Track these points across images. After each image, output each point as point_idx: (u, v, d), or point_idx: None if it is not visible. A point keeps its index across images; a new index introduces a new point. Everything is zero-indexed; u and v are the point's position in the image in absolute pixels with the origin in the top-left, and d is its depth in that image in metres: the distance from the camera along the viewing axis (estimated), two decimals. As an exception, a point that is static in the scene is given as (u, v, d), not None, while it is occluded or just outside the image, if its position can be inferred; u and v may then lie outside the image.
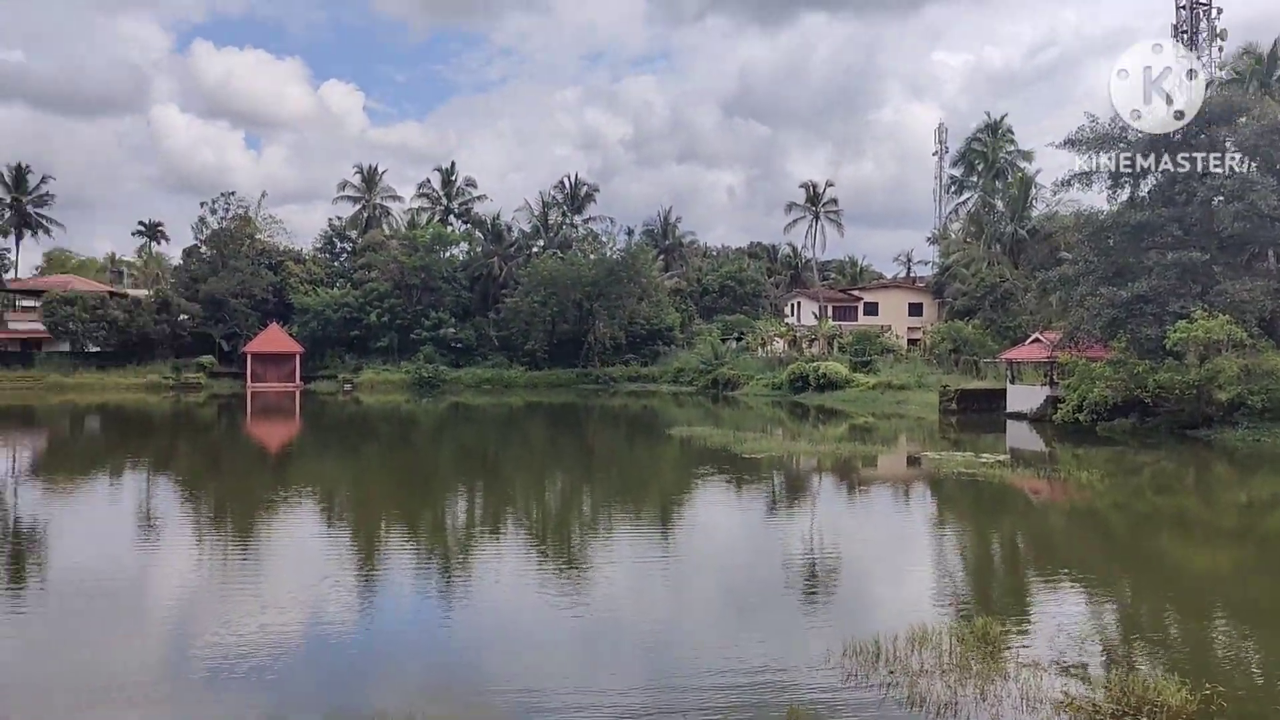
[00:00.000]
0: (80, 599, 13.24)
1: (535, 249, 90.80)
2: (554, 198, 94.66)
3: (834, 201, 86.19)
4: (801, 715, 8.71)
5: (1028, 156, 77.00)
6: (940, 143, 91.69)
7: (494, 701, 9.02)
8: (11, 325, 79.94)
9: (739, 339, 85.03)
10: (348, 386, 76.72)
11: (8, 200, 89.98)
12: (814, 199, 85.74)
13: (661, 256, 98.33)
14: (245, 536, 18.28)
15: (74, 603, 13.06)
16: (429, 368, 79.57)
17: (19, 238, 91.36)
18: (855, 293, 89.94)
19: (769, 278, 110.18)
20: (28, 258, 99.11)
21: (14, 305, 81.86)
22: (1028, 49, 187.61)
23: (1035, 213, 66.81)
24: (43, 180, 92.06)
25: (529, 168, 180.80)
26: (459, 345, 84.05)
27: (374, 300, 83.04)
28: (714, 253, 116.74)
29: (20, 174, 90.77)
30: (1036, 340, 47.05)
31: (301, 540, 17.86)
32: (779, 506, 22.35)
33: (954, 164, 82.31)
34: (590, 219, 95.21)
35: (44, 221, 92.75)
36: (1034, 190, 68.07)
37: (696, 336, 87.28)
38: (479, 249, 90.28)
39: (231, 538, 18.23)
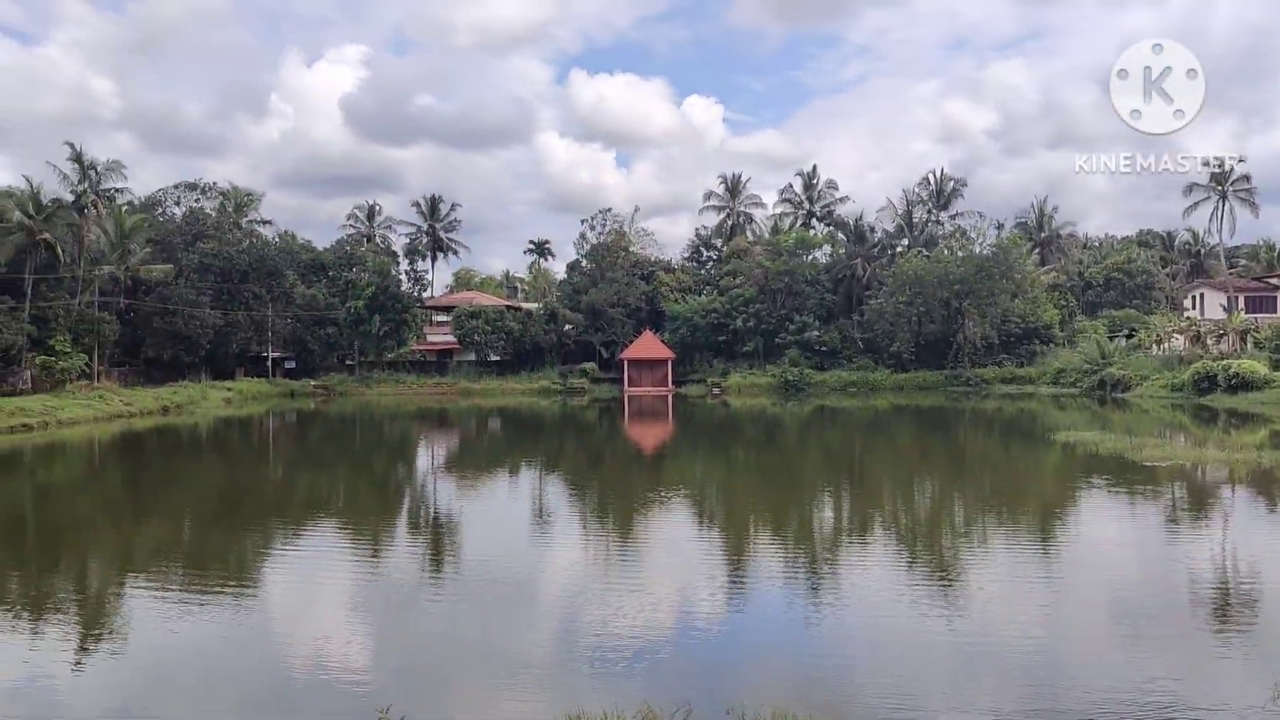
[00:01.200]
0: (486, 586, 14.73)
1: (899, 248, 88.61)
2: (918, 195, 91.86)
3: (1245, 179, 76.15)
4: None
5: None
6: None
7: (860, 706, 8.86)
8: (430, 338, 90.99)
9: (1129, 336, 77.48)
10: (716, 390, 79.29)
11: (425, 227, 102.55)
12: (1220, 177, 76.25)
13: (1037, 250, 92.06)
14: (625, 532, 19.43)
15: (481, 590, 14.55)
16: (794, 371, 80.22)
17: (434, 260, 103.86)
18: (1274, 280, 78.79)
19: (1163, 268, 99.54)
20: (440, 277, 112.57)
21: (430, 320, 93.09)
22: None
23: None
24: (451, 208, 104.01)
25: (886, 166, 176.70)
26: (823, 348, 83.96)
27: (739, 306, 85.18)
28: (1096, 243, 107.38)
29: (434, 204, 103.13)
30: None
31: (677, 538, 18.67)
32: (1184, 522, 20.03)
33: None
34: (957, 214, 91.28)
35: (453, 245, 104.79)
36: None
37: (1079, 334, 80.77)
38: (842, 251, 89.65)
39: (614, 533, 19.45)
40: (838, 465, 33.04)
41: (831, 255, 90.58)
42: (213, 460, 36.23)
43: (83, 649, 11.45)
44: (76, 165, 66.74)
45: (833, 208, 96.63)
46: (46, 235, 58.65)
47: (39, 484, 29.04)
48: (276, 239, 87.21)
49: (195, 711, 9.56)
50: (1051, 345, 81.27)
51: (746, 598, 13.91)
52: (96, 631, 12.31)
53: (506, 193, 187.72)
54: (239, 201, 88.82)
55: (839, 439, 43.33)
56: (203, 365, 74.82)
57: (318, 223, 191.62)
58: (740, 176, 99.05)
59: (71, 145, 68.11)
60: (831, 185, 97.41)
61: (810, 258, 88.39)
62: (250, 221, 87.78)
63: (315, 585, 14.89)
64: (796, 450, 38.48)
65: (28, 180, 62.86)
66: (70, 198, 64.78)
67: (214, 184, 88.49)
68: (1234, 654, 11.04)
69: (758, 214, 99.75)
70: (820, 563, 15.94)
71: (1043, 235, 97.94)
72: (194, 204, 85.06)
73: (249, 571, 16.01)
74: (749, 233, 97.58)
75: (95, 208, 66.33)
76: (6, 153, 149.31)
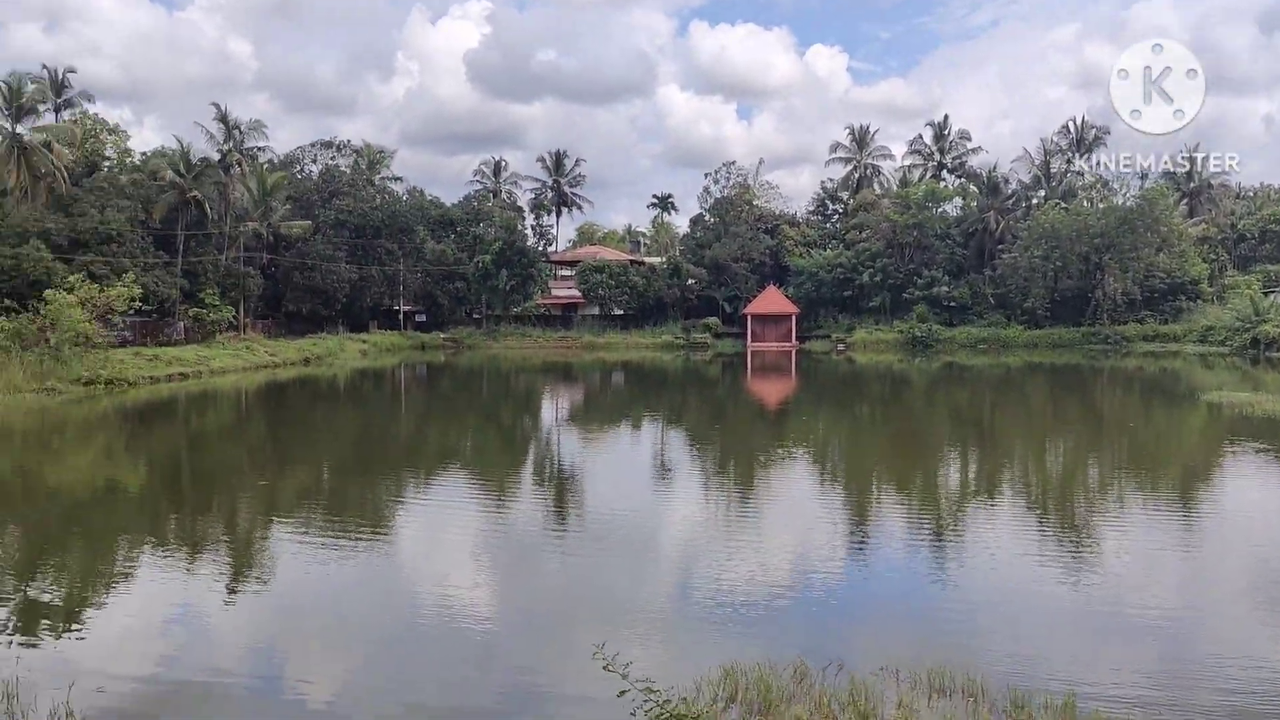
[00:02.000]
0: (605, 536, 14.99)
1: (1035, 200, 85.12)
2: (1056, 144, 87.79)
3: None
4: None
5: None
6: None
7: (978, 666, 8.69)
8: (555, 293, 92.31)
9: (1287, 291, 72.85)
10: (840, 346, 78.16)
11: (549, 182, 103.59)
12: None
13: (1185, 201, 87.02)
14: (746, 486, 19.46)
15: (600, 539, 14.83)
16: (921, 327, 78.32)
17: (558, 215, 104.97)
18: None
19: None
20: (564, 232, 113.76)
21: (555, 274, 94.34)
22: None
23: None
24: (576, 163, 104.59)
25: (1018, 115, 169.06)
26: (952, 304, 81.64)
27: (866, 260, 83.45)
28: (1251, 193, 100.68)
29: (559, 159, 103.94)
30: None
31: (801, 494, 18.60)
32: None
33: None
34: (1099, 163, 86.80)
35: (577, 200, 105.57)
36: None
37: (1229, 290, 76.31)
38: (973, 204, 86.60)
39: (734, 486, 19.50)
40: (967, 424, 32.23)
41: (963, 208, 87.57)
42: (350, 410, 37.77)
43: (231, 587, 12.17)
44: (222, 125, 69.80)
45: (964, 159, 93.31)
46: (196, 193, 61.70)
47: (194, 430, 30.82)
48: (407, 195, 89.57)
49: (329, 649, 10.08)
50: (1199, 301, 77.06)
51: (869, 557, 13.78)
52: (244, 570, 13.06)
53: (628, 147, 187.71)
54: (371, 159, 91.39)
55: (968, 397, 42.20)
56: (339, 318, 77.81)
57: (444, 179, 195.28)
58: (868, 128, 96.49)
59: (217, 106, 71.39)
60: (964, 136, 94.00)
61: (940, 211, 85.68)
62: (382, 179, 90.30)
63: (444, 533, 15.43)
64: (924, 408, 37.68)
65: (178, 140, 66.22)
66: (216, 157, 67.83)
67: (348, 142, 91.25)
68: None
69: (885, 166, 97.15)
70: (948, 524, 15.63)
71: (1192, 185, 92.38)
72: (329, 162, 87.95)
73: (382, 518, 16.69)
74: (876, 185, 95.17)
75: (239, 166, 69.32)
76: (155, 114, 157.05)
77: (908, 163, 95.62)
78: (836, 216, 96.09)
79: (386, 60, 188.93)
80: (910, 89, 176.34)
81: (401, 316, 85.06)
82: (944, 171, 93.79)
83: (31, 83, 57.86)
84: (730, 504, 17.64)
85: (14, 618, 10.77)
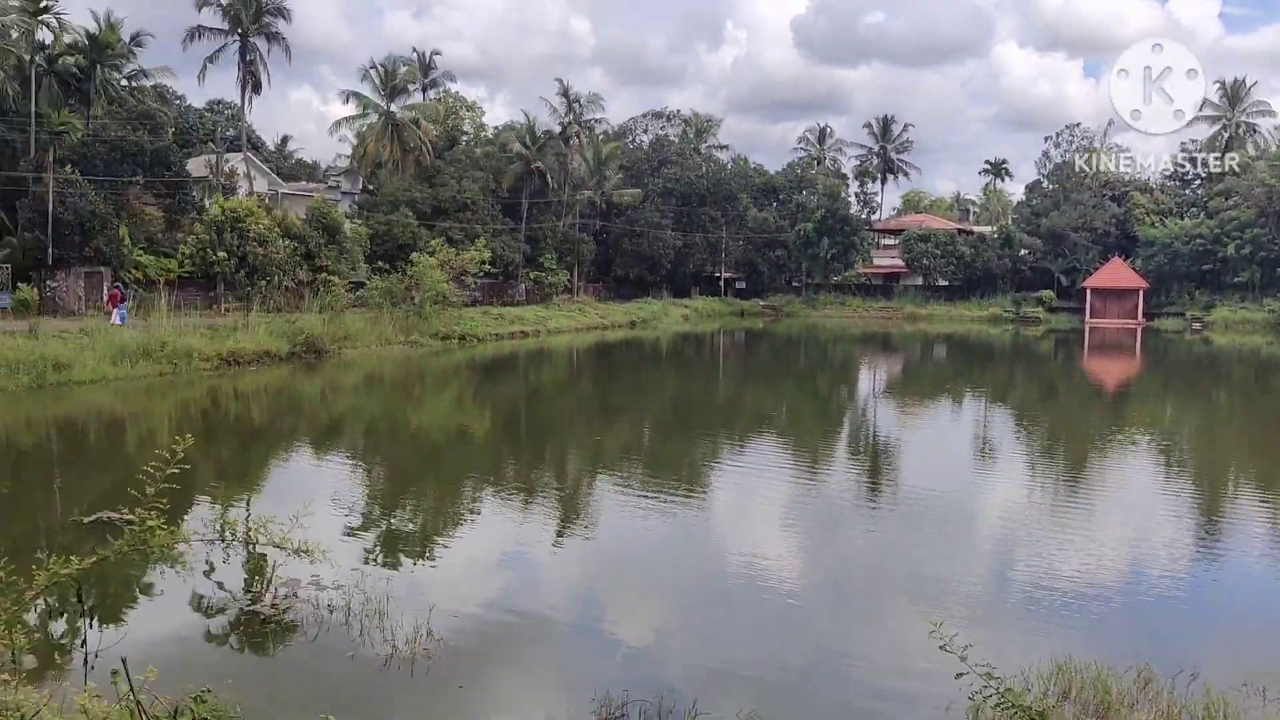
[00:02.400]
0: (920, 512, 14.62)
1: None
2: None
3: None
4: None
5: None
6: None
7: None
8: (876, 261, 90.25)
9: None
10: (1196, 325, 70.51)
11: (875, 149, 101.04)
12: None
13: None
14: (1075, 472, 18.22)
15: (915, 514, 14.49)
16: (1299, 306, 68.90)
17: (883, 182, 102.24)
18: None
19: None
20: (888, 199, 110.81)
21: (878, 244, 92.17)
22: None
23: None
24: (904, 129, 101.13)
25: None
26: (1341, 281, 71.11)
27: (1232, 230, 74.36)
28: None
29: (886, 124, 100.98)
30: None
31: (1138, 484, 17.16)
32: None
33: None
34: None
35: (904, 166, 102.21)
36: None
37: None
38: (1377, 164, 74.61)
39: (1062, 471, 18.33)
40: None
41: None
42: (672, 372, 39.28)
43: (560, 531, 13.17)
44: (563, 99, 74.21)
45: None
46: (539, 164, 66.27)
47: (532, 384, 33.43)
48: (731, 164, 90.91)
49: (645, 602, 10.66)
50: None
51: (1217, 556, 12.47)
52: (571, 518, 14.07)
53: (958, 111, 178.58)
54: (699, 128, 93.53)
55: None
56: (664, 284, 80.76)
57: (767, 146, 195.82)
58: (1243, 81, 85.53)
59: (560, 81, 76.01)
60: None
61: (1333, 173, 74.57)
62: (708, 147, 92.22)
63: (756, 499, 15.75)
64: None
65: (525, 115, 71.28)
66: (558, 129, 72.35)
67: (677, 112, 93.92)
68: None
69: (1263, 124, 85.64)
70: (1317, 531, 13.81)
71: None
72: (659, 132, 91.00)
73: (699, 479, 17.30)
74: (1250, 146, 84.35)
75: (578, 138, 73.49)
76: (506, 90, 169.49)
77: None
78: (1198, 182, 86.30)
79: (715, 29, 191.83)
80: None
81: (722, 283, 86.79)
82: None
83: (403, 65, 64.59)
84: (1059, 490, 16.60)
85: (381, 546, 12.32)
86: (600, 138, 76.66)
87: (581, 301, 65.67)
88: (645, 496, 15.29)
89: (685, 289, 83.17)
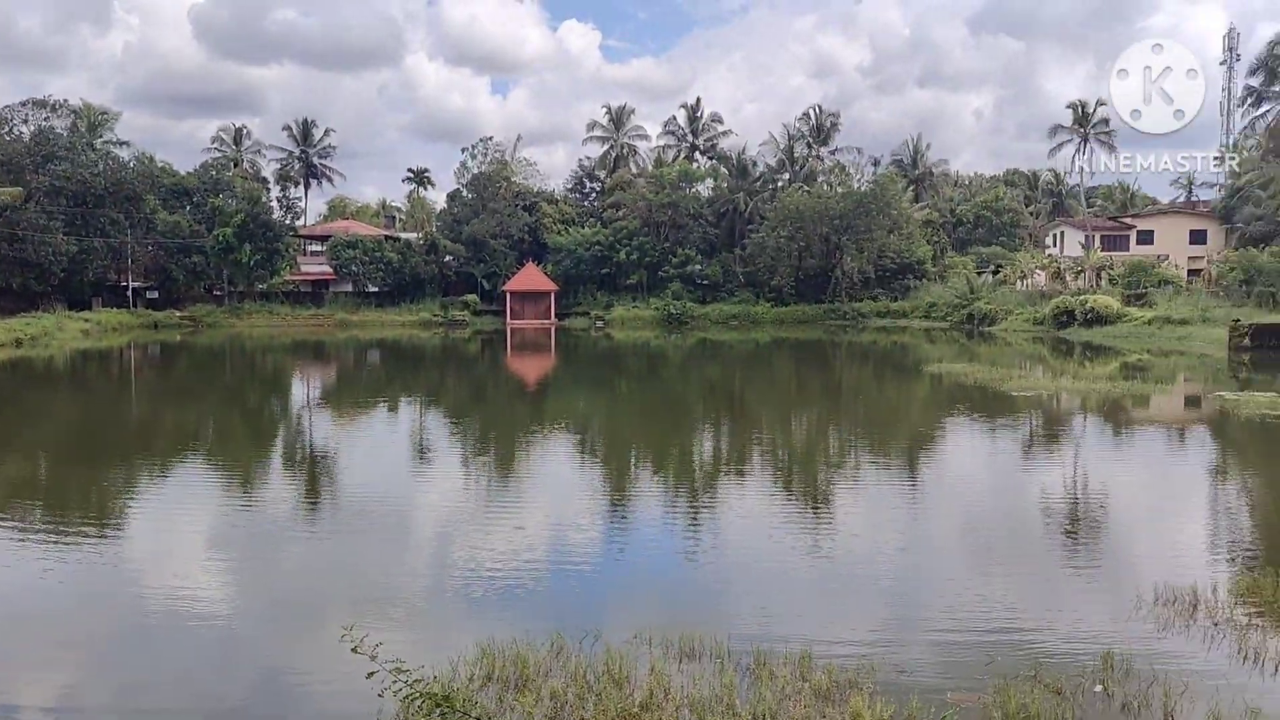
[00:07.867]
0: (360, 519, 14.46)
1: (781, 183, 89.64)
2: (799, 130, 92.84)
3: (1105, 122, 79.26)
4: (1115, 662, 8.25)
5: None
6: (1229, 50, 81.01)
7: (726, 631, 9.05)
8: (304, 268, 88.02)
9: (996, 272, 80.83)
10: (599, 323, 79.39)
11: (297, 153, 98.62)
12: (1082, 119, 79.30)
13: (911, 187, 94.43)
14: (505, 465, 19.35)
15: (354, 523, 14.29)
16: (677, 304, 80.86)
17: (307, 187, 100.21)
18: (1127, 220, 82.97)
19: (1027, 206, 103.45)
20: (313, 205, 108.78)
21: (305, 250, 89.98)
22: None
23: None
24: (325, 133, 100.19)
25: (763, 99, 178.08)
26: (705, 282, 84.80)
27: (623, 239, 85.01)
28: (966, 181, 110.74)
29: (306, 128, 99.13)
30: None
31: (556, 470, 18.71)
32: (1039, 448, 21.10)
33: (1251, 73, 73.03)
34: (836, 150, 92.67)
35: (327, 171, 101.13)
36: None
37: (949, 270, 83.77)
38: (724, 185, 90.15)
39: (493, 466, 19.35)
40: (718, 398, 33.57)
41: (714, 189, 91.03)
42: (71, 394, 34.49)
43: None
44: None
45: (716, 141, 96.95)
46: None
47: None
48: (134, 161, 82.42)
49: (48, 661, 9.14)
50: (924, 280, 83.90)
51: (626, 530, 14.03)
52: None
53: (377, 117, 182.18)
54: (93, 120, 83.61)
55: (719, 372, 43.98)
56: (56, 295, 70.86)
57: (173, 144, 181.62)
58: (625, 108, 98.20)
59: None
60: (715, 119, 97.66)
61: (693, 191, 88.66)
62: (105, 142, 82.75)
63: (178, 525, 14.37)
64: (678, 383, 38.90)
65: None
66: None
67: (64, 101, 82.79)
68: (1082, 571, 11.72)
69: (641, 146, 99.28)
70: (699, 495, 16.19)
71: (917, 172, 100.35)
72: (43, 123, 79.55)
73: (107, 512, 15.32)
74: (633, 165, 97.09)
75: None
76: None
77: (662, 143, 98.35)
78: (594, 195, 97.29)
79: (102, 11, 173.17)
80: (663, 69, 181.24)
81: (131, 293, 78.52)
82: (696, 153, 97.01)
83: None
84: (491, 485, 17.48)
85: None
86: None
87: (-53, 318, 55.00)
88: (43, 538, 13.14)
89: (85, 300, 73.78)
